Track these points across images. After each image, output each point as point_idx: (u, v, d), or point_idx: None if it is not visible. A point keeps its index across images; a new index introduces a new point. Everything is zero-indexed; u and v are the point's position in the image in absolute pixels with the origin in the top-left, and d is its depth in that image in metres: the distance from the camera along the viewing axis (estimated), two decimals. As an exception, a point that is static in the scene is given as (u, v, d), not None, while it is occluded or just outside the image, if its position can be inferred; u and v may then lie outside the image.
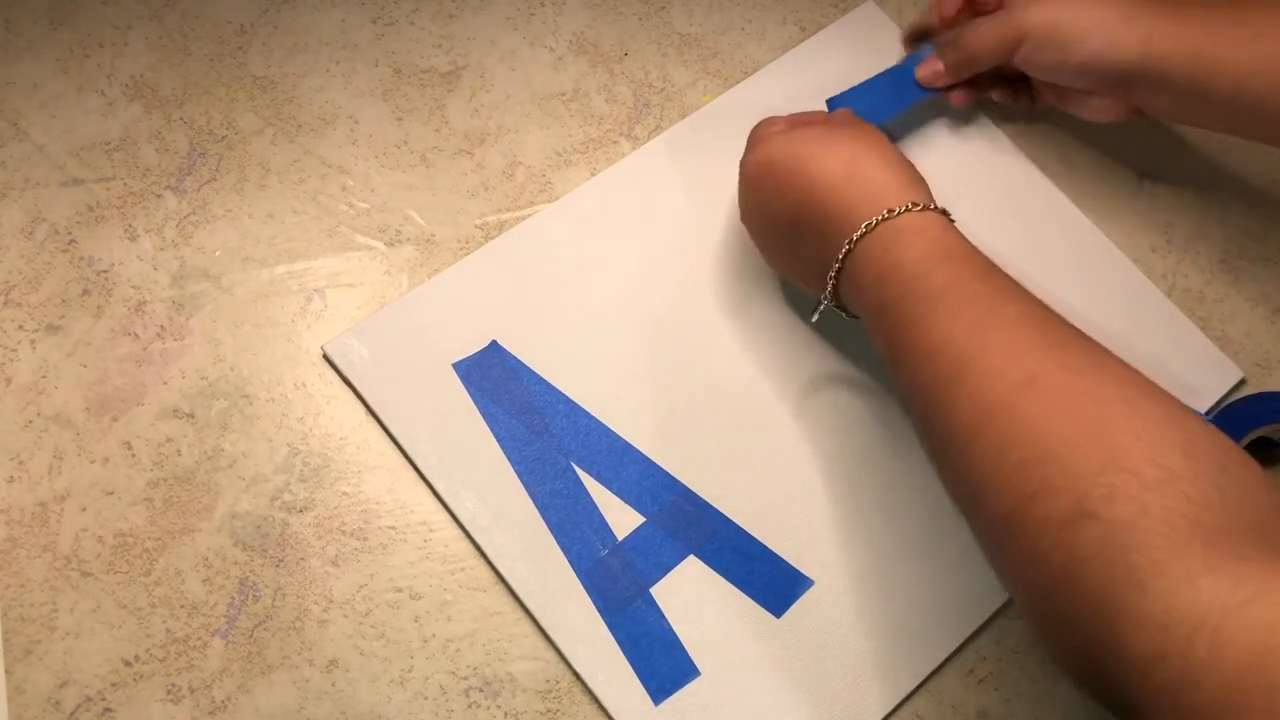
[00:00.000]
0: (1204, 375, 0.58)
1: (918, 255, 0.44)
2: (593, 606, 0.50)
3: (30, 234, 0.56)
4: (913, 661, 0.51)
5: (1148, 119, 0.58)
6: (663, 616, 0.50)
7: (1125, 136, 0.63)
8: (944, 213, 0.47)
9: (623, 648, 0.50)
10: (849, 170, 0.48)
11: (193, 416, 0.53)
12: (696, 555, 0.52)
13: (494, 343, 0.55)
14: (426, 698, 0.49)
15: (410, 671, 0.49)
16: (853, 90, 0.60)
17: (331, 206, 0.58)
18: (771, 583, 0.51)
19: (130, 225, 0.56)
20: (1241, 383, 0.58)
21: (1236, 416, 0.55)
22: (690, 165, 0.60)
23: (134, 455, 0.52)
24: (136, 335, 0.54)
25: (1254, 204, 0.63)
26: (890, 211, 0.46)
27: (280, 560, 0.51)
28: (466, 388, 0.54)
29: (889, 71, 0.60)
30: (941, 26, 0.60)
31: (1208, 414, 0.57)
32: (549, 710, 0.49)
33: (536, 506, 0.52)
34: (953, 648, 0.51)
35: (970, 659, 0.52)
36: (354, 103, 0.60)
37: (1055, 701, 0.51)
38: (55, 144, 0.58)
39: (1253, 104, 0.51)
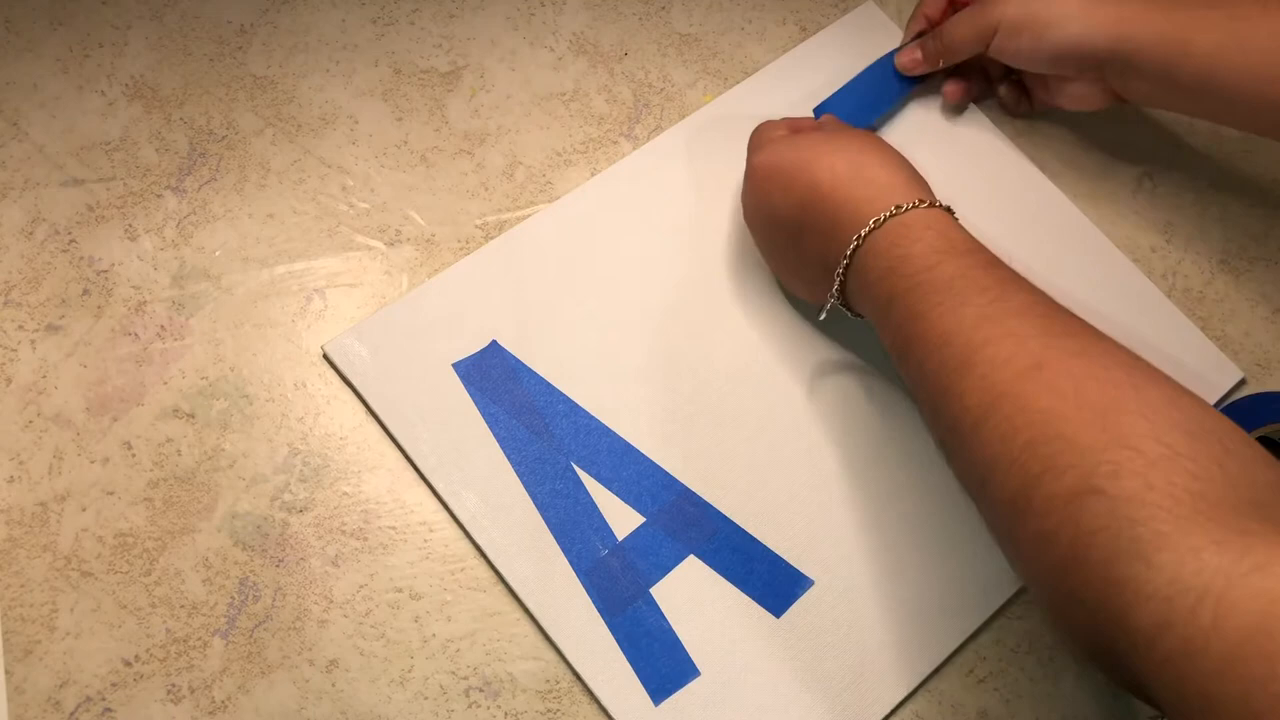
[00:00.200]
0: (1204, 375, 0.58)
1: (925, 249, 0.45)
2: (593, 606, 0.50)
3: (30, 234, 0.56)
4: (913, 661, 0.51)
5: (1128, 105, 0.58)
6: (663, 616, 0.50)
7: (1125, 136, 0.63)
8: (948, 209, 0.48)
9: (623, 648, 0.50)
10: (854, 170, 0.49)
11: (193, 416, 0.53)
12: (697, 555, 0.52)
13: (494, 343, 0.55)
14: (426, 698, 0.49)
15: (410, 671, 0.49)
16: (837, 93, 0.61)
17: (331, 206, 0.58)
18: (772, 583, 0.51)
19: (130, 225, 0.56)
20: (1241, 382, 0.58)
21: (1236, 416, 0.55)
22: (690, 165, 0.60)
23: (134, 455, 0.52)
24: (136, 335, 0.54)
25: (1254, 204, 0.63)
26: (898, 207, 0.47)
27: (280, 560, 0.51)
28: (466, 388, 0.54)
29: (871, 68, 0.61)
30: (929, 28, 0.61)
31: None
32: (549, 710, 0.49)
33: (536, 506, 0.52)
34: (953, 648, 0.51)
35: (970, 659, 0.52)
36: (354, 103, 0.60)
37: (1055, 701, 0.51)
38: (55, 144, 0.58)
39: (1224, 87, 0.52)
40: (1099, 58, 0.54)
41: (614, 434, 0.53)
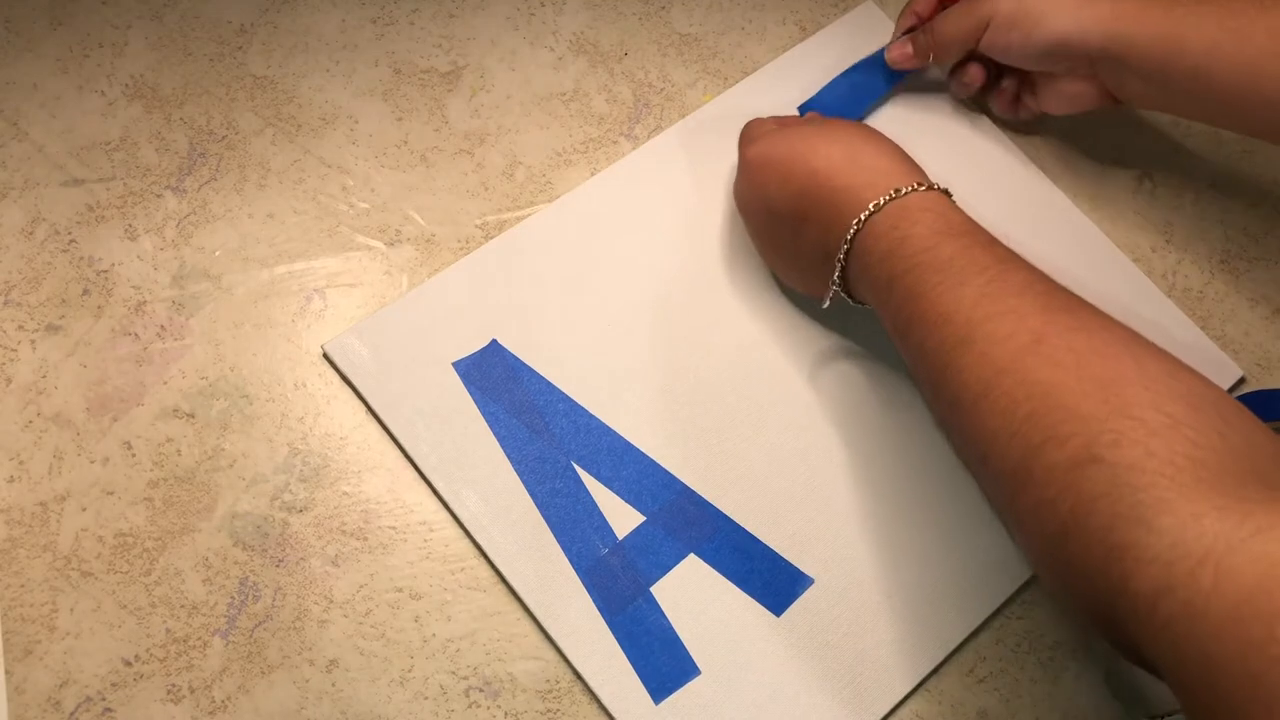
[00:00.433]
0: (1204, 374, 0.58)
1: (925, 230, 0.46)
2: (593, 606, 0.50)
3: (30, 234, 0.56)
4: (913, 660, 0.51)
5: (1123, 108, 0.58)
6: (663, 615, 0.50)
7: (1125, 137, 0.64)
8: (945, 191, 0.49)
9: (623, 647, 0.50)
10: (850, 157, 0.49)
11: (193, 416, 0.53)
12: (697, 554, 0.52)
13: (494, 342, 0.55)
14: (426, 698, 0.49)
15: (410, 671, 0.49)
16: (823, 90, 0.62)
17: (331, 206, 0.58)
18: (772, 581, 0.51)
19: (130, 225, 0.56)
20: (1241, 381, 0.58)
21: (1236, 415, 0.55)
22: (690, 165, 0.60)
23: (134, 455, 0.52)
24: (136, 335, 0.54)
25: (1254, 204, 0.63)
26: (897, 191, 0.47)
27: (280, 560, 0.51)
28: (466, 387, 0.54)
29: (860, 63, 0.62)
30: (919, 24, 0.61)
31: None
32: (549, 710, 0.49)
33: (536, 506, 0.52)
34: (953, 646, 0.51)
35: (970, 658, 0.52)
36: (354, 103, 0.60)
37: (1055, 701, 0.51)
38: (55, 144, 0.58)
39: (1218, 85, 0.52)
40: (1091, 54, 0.54)
41: (614, 433, 0.53)
